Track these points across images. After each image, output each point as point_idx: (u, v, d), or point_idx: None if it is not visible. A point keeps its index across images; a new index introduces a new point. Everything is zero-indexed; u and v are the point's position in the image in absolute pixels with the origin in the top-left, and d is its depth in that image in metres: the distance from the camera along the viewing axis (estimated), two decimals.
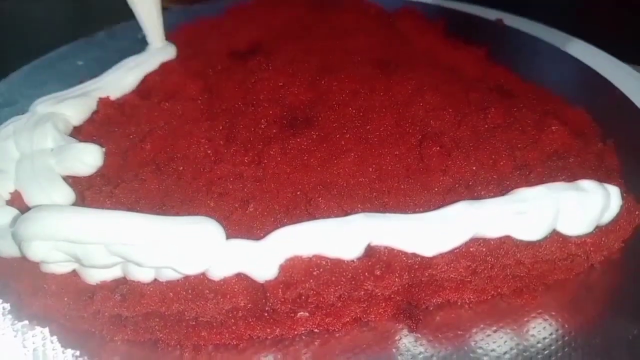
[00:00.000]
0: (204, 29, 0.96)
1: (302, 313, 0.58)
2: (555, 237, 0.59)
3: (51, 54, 1.03)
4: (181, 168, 0.66)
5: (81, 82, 0.81)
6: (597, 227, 0.60)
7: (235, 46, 0.87)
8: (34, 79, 0.97)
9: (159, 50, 0.86)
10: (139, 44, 0.99)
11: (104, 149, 0.68)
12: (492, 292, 0.62)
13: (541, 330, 0.59)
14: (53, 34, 1.29)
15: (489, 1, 1.10)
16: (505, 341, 0.58)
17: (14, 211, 0.61)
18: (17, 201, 0.64)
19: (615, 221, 0.61)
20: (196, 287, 0.55)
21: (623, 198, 0.61)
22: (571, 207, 0.58)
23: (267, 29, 0.92)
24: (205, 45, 0.88)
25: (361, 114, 0.72)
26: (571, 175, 0.63)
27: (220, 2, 1.09)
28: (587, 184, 0.59)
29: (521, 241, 0.58)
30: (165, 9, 1.20)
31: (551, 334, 0.59)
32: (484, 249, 0.58)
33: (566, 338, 0.58)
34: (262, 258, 0.55)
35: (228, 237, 0.56)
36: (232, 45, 0.87)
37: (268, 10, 0.99)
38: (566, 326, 0.59)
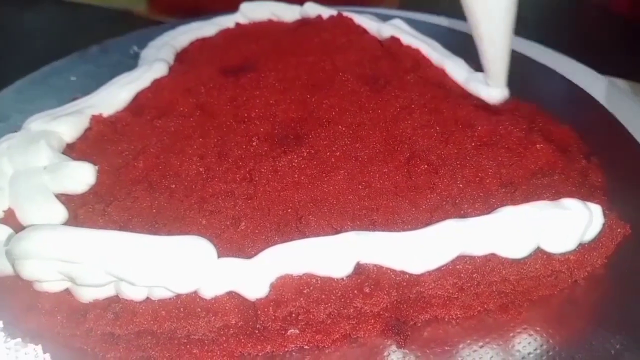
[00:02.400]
0: (195, 45, 0.97)
1: (292, 330, 0.59)
2: (540, 255, 0.60)
3: (44, 69, 1.03)
4: (173, 186, 0.67)
5: (74, 98, 0.82)
6: (580, 244, 0.62)
7: (226, 62, 0.88)
8: (27, 94, 0.98)
9: (150, 67, 0.86)
10: (132, 58, 1.00)
11: (97, 167, 0.69)
12: (479, 308, 0.63)
13: (526, 345, 0.61)
14: (46, 47, 1.30)
15: None
16: (492, 356, 0.60)
17: (7, 230, 0.62)
18: (11, 218, 0.64)
19: (597, 239, 0.63)
20: (188, 305, 0.56)
21: (605, 216, 0.63)
22: (554, 226, 0.59)
23: (257, 44, 0.93)
24: (197, 62, 0.89)
25: (351, 131, 0.73)
26: (555, 192, 0.64)
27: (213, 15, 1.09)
28: (570, 203, 0.61)
29: (506, 259, 0.59)
30: (160, 23, 1.22)
31: (536, 349, 0.60)
32: (470, 267, 0.59)
33: (551, 353, 0.59)
34: (253, 277, 0.56)
35: (219, 255, 0.57)
36: (223, 62, 0.88)
37: (258, 26, 1.00)
38: (551, 341, 0.61)
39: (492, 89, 0.78)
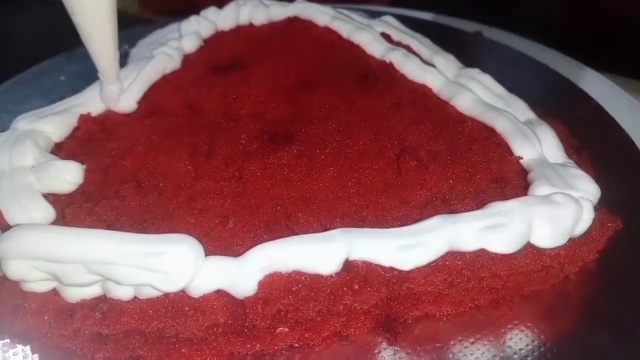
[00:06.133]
0: None
1: (281, 328, 0.59)
2: (530, 250, 0.60)
3: (33, 69, 1.03)
4: (162, 184, 0.66)
5: (62, 98, 0.81)
6: (570, 239, 0.61)
7: (215, 60, 0.88)
8: (17, 93, 0.97)
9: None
10: (121, 58, 1.00)
11: (84, 166, 0.68)
12: (469, 304, 0.63)
13: (518, 341, 0.60)
14: (35, 47, 1.29)
15: (469, 14, 1.12)
16: (483, 353, 0.59)
17: None
18: None
19: (588, 233, 0.62)
20: (176, 304, 0.56)
21: (596, 210, 0.62)
22: (544, 220, 0.59)
23: (247, 42, 0.93)
24: (186, 60, 0.89)
25: (340, 128, 0.73)
26: None
27: None
28: (560, 197, 0.60)
29: (496, 254, 0.59)
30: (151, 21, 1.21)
31: (527, 345, 0.60)
32: (459, 262, 0.59)
33: (542, 349, 0.59)
34: (241, 275, 0.55)
35: (207, 253, 0.56)
36: (212, 60, 0.88)
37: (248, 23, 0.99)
38: (542, 337, 0.60)
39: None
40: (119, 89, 0.78)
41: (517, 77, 0.82)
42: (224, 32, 0.96)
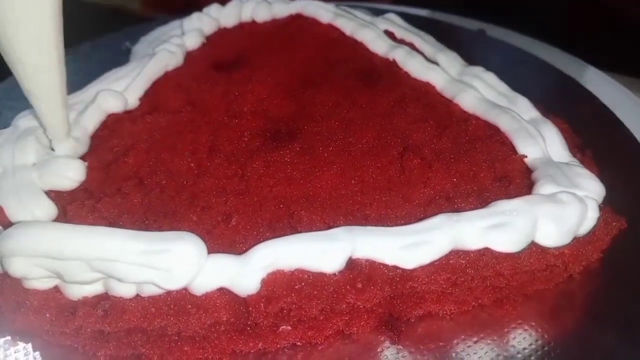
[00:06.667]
0: None
1: (284, 327, 0.59)
2: (534, 249, 0.60)
3: None
4: (164, 182, 0.66)
5: None
6: (575, 238, 0.61)
7: (218, 57, 0.87)
8: (18, 90, 0.96)
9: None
10: (123, 55, 0.99)
11: (86, 163, 0.68)
12: (473, 303, 0.63)
13: (521, 340, 0.60)
14: None
15: (472, 13, 1.12)
16: (486, 352, 0.59)
17: None
18: (0, 216, 0.64)
19: (592, 232, 0.62)
20: (178, 302, 0.56)
21: (600, 209, 0.62)
22: (549, 219, 0.59)
23: (249, 39, 0.93)
24: (188, 57, 0.88)
25: (343, 126, 0.72)
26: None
27: None
28: (564, 196, 0.60)
29: (500, 253, 0.58)
30: (151, 19, 1.21)
31: (531, 344, 0.59)
32: (463, 261, 0.58)
33: (546, 348, 0.59)
34: (243, 273, 0.55)
35: (210, 251, 0.56)
36: (215, 57, 0.88)
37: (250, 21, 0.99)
38: (546, 336, 0.60)
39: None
40: (72, 146, 0.69)
41: (520, 76, 0.82)
42: (227, 29, 0.96)
